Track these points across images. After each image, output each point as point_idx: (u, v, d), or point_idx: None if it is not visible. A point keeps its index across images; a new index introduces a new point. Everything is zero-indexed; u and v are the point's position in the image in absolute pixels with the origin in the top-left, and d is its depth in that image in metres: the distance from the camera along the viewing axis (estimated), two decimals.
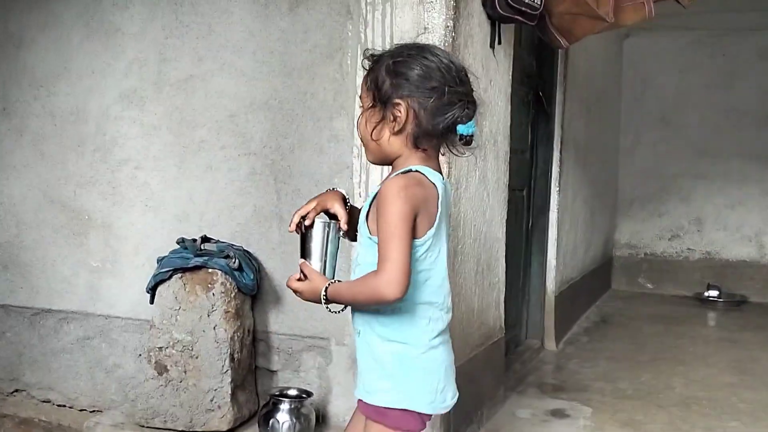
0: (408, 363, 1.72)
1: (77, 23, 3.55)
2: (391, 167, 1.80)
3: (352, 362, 3.01)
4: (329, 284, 1.71)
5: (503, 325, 3.73)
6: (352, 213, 1.86)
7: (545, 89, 4.83)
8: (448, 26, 2.86)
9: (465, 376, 3.12)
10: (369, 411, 1.76)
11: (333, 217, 1.83)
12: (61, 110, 3.58)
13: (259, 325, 3.18)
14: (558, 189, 4.99)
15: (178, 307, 2.91)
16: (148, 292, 3.02)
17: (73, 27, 3.56)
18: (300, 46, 3.14)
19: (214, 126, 3.29)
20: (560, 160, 4.99)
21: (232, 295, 2.96)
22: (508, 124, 3.66)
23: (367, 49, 1.90)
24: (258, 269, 3.14)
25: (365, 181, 2.97)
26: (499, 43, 3.35)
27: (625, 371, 4.45)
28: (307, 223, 1.79)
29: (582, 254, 6.00)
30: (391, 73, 1.70)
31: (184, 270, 2.96)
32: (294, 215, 1.82)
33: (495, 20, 3.23)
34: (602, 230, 7.04)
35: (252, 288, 3.05)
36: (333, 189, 1.88)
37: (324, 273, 1.76)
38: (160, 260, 3.05)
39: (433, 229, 1.69)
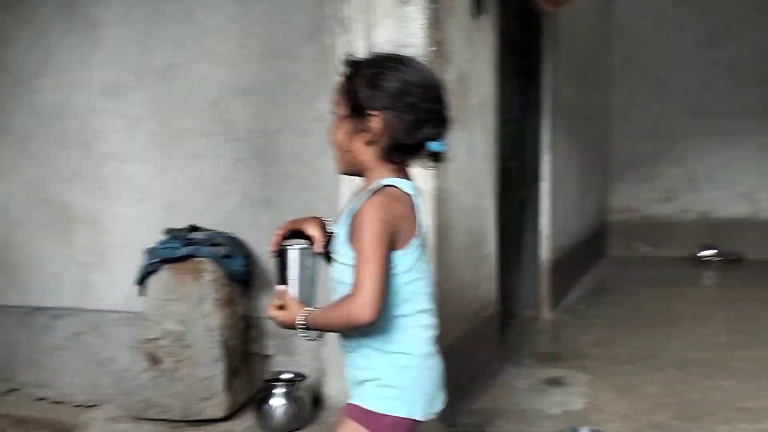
0: (409, 372, 1.74)
1: (56, 17, 3.53)
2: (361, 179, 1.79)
3: None
4: (304, 313, 1.70)
5: (497, 297, 3.74)
6: (332, 237, 1.84)
7: (533, 57, 4.80)
8: None
9: (458, 350, 3.14)
10: (359, 414, 1.74)
11: (309, 240, 1.81)
12: (44, 107, 3.57)
13: (252, 311, 3.19)
14: (550, 157, 4.98)
15: (168, 298, 2.92)
16: (137, 285, 3.04)
17: (52, 22, 3.54)
18: (280, 27, 3.13)
19: (197, 114, 3.29)
20: (551, 128, 4.97)
21: (222, 283, 2.97)
22: (495, 94, 3.64)
23: (349, 54, 1.88)
24: (248, 255, 3.14)
25: None
26: (483, 12, 3.32)
27: (621, 337, 4.48)
28: (284, 243, 1.76)
29: (576, 222, 6.00)
30: (369, 84, 1.69)
31: (172, 260, 2.97)
32: (273, 237, 1.79)
33: None
34: (596, 196, 7.03)
35: (242, 274, 3.06)
36: (313, 217, 1.85)
37: (301, 298, 1.74)
38: (148, 252, 3.06)
39: (417, 239, 1.71)
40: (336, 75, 1.90)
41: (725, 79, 7.31)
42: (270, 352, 3.18)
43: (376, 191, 1.68)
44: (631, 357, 4.08)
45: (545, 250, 4.91)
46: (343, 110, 1.73)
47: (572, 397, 3.46)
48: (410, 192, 1.72)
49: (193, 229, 3.14)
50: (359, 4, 2.93)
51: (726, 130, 7.32)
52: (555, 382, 3.66)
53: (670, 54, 7.52)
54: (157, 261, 2.96)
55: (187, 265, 2.95)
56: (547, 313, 4.89)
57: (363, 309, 1.61)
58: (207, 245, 3.00)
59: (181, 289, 2.92)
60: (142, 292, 3.02)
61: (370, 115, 1.69)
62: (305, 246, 1.78)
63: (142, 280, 3.00)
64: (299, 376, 2.96)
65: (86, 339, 3.52)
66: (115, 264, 3.45)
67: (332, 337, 3.00)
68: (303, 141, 3.11)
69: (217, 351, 2.89)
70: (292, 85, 3.12)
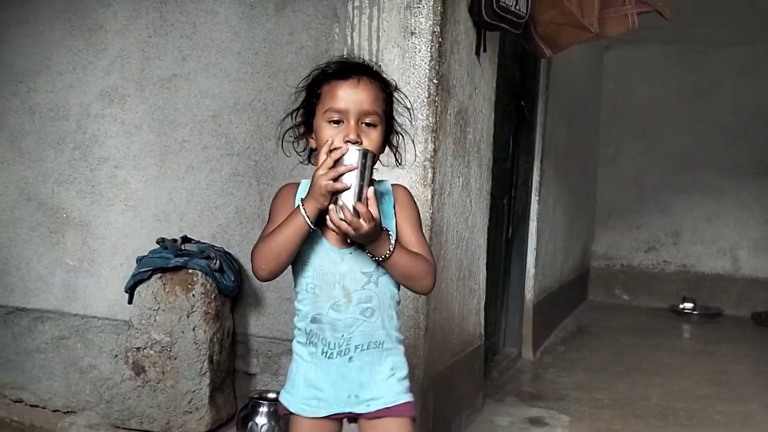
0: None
1: (58, 19, 3.50)
2: None
3: None
4: (393, 236, 1.64)
5: (483, 332, 3.72)
6: None
7: (528, 99, 4.84)
8: (435, 31, 2.86)
9: (445, 382, 3.11)
10: (408, 409, 1.76)
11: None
12: (41, 107, 3.53)
13: (239, 327, 3.15)
14: (538, 198, 5.00)
15: (157, 308, 2.87)
16: (126, 292, 2.98)
17: (54, 23, 3.52)
18: (285, 47, 3.12)
19: (196, 126, 3.26)
20: (541, 170, 5.00)
21: (213, 297, 2.92)
22: (491, 132, 3.66)
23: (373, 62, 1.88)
24: (239, 271, 3.10)
25: None
26: (485, 50, 3.35)
27: (602, 381, 4.46)
28: (343, 149, 1.59)
29: (560, 264, 6.02)
30: (392, 99, 1.78)
31: (164, 270, 2.92)
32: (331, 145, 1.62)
33: (481, 27, 3.23)
34: (580, 240, 7.07)
35: (232, 289, 3.02)
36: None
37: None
38: (139, 260, 3.01)
39: None
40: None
41: (709, 135, 7.43)
42: (254, 370, 3.13)
43: (394, 185, 1.79)
44: (611, 402, 4.06)
45: (530, 290, 4.91)
46: (379, 119, 1.73)
47: None
48: None
49: (186, 240, 3.11)
50: (367, 31, 2.95)
51: (709, 185, 7.41)
52: (536, 422, 3.63)
53: (657, 107, 7.63)
54: (148, 270, 2.91)
55: (178, 276, 2.91)
56: (529, 353, 4.87)
57: (433, 278, 1.69)
58: (199, 257, 2.96)
59: (171, 299, 2.87)
60: (130, 300, 2.96)
61: (396, 132, 1.79)
62: (367, 149, 1.60)
63: (132, 288, 2.95)
64: None
65: (68, 344, 3.44)
66: (104, 270, 3.39)
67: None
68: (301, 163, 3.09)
69: (203, 365, 2.83)
70: (294, 105, 3.11)
